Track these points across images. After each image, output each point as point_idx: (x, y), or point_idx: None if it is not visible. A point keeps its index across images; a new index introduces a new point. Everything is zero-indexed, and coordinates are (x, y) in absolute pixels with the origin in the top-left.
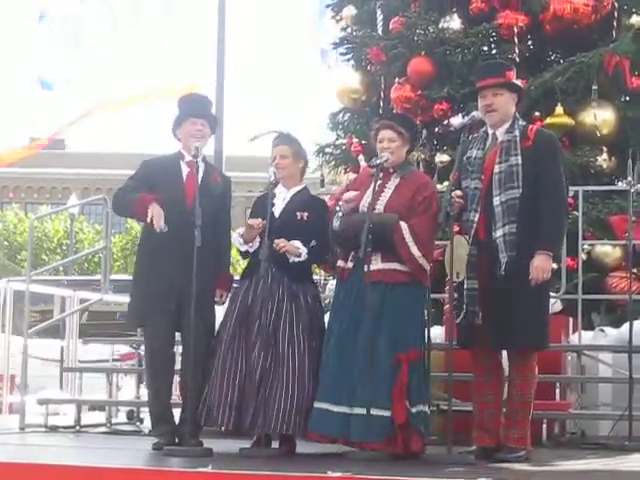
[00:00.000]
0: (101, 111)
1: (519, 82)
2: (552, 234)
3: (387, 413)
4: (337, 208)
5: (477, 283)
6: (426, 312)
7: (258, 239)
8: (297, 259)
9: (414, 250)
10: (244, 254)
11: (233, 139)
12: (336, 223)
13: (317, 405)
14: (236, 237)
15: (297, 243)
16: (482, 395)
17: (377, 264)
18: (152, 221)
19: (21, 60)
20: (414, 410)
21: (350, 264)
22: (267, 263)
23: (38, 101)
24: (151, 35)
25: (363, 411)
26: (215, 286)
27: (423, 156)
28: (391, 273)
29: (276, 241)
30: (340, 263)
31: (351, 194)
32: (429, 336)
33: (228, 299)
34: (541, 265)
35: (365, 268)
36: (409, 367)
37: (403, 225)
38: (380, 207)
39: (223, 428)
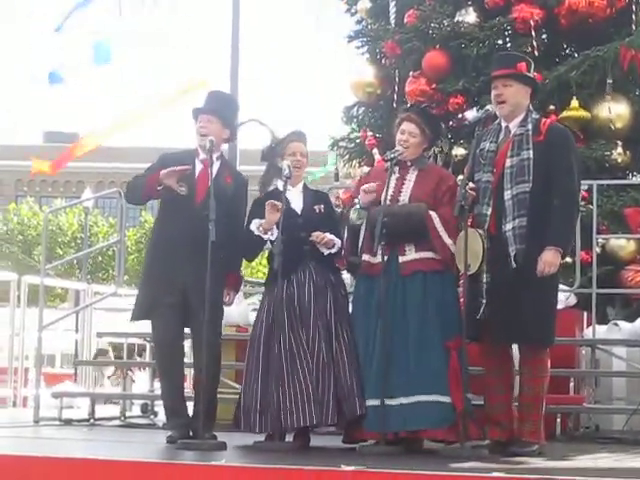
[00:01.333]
0: (130, 123)
1: (533, 75)
2: (562, 229)
3: (447, 399)
4: (355, 200)
5: (489, 277)
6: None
7: (276, 230)
8: (330, 251)
9: (446, 238)
10: (259, 243)
11: (247, 132)
12: (353, 215)
13: (370, 403)
14: (255, 227)
15: (330, 235)
16: (493, 389)
17: (412, 254)
18: (169, 189)
19: (29, 55)
20: (468, 396)
21: (379, 258)
22: (281, 257)
23: (50, 96)
24: (161, 31)
25: (423, 398)
26: (224, 286)
27: (440, 149)
28: (427, 262)
29: (314, 234)
30: (366, 257)
31: (371, 185)
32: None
33: (260, 302)
34: (549, 260)
35: (400, 259)
36: (457, 354)
37: (433, 215)
38: (404, 199)
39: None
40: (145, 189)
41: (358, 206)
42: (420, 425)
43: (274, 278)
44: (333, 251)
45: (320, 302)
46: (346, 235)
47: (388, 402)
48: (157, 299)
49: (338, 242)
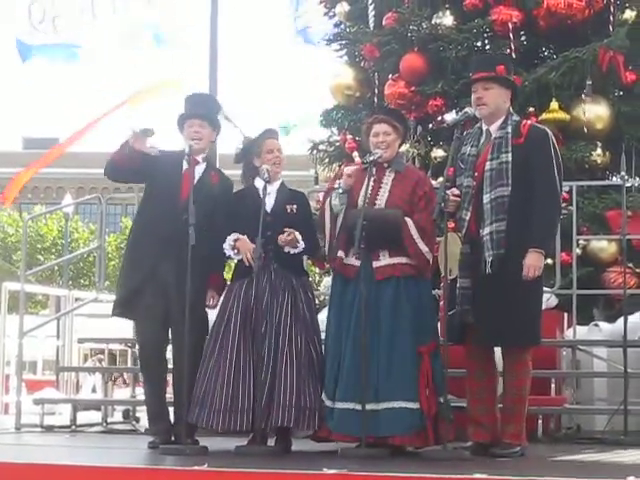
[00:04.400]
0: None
1: (513, 78)
2: (544, 231)
3: (416, 405)
4: (336, 185)
5: (469, 282)
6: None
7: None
8: (294, 250)
9: (422, 246)
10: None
11: (226, 136)
12: (335, 200)
13: (339, 405)
14: (227, 246)
15: (296, 234)
16: (476, 391)
17: (386, 259)
18: (137, 147)
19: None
20: (441, 400)
21: (354, 261)
22: (260, 261)
23: (28, 101)
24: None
25: (391, 405)
26: (206, 287)
27: (418, 152)
28: (401, 267)
29: (286, 232)
30: (340, 254)
31: (352, 168)
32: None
33: (222, 299)
34: (533, 263)
35: (374, 264)
36: (430, 359)
37: (409, 221)
38: (381, 202)
39: (220, 429)
40: (117, 156)
41: (340, 190)
42: (388, 431)
43: (238, 277)
44: (295, 251)
45: (274, 304)
46: (329, 225)
47: (357, 407)
48: (138, 296)
49: (302, 243)
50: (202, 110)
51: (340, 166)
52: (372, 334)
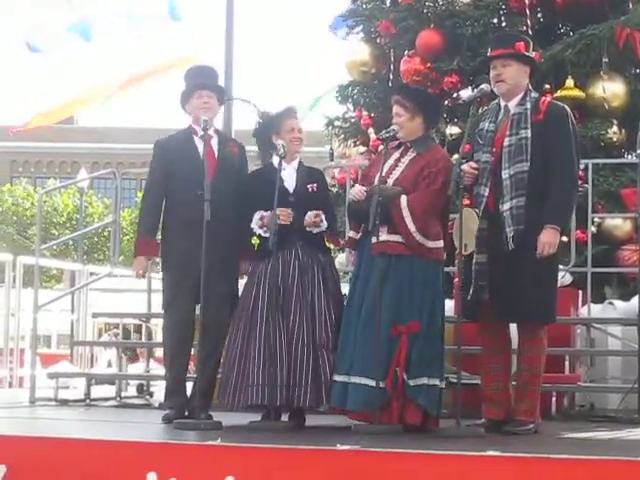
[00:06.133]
0: (122, 90)
1: (532, 54)
2: (560, 208)
3: (382, 384)
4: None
5: (486, 257)
6: (439, 285)
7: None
8: (317, 230)
9: (410, 225)
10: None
11: (242, 113)
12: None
13: (335, 378)
14: (255, 223)
15: (322, 215)
16: (490, 367)
17: (383, 235)
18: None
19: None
20: (412, 383)
21: (359, 236)
22: (276, 237)
23: (39, 74)
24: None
25: (358, 380)
26: (238, 263)
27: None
28: (393, 245)
29: (309, 214)
30: (351, 234)
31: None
32: (443, 309)
33: (246, 282)
34: (547, 240)
35: (373, 239)
36: (409, 339)
37: (403, 199)
38: (390, 181)
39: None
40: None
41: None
42: (351, 406)
43: (262, 256)
44: (318, 230)
45: (304, 282)
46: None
47: (339, 379)
48: (174, 281)
49: (325, 222)
50: (208, 81)
51: (355, 142)
52: (357, 309)
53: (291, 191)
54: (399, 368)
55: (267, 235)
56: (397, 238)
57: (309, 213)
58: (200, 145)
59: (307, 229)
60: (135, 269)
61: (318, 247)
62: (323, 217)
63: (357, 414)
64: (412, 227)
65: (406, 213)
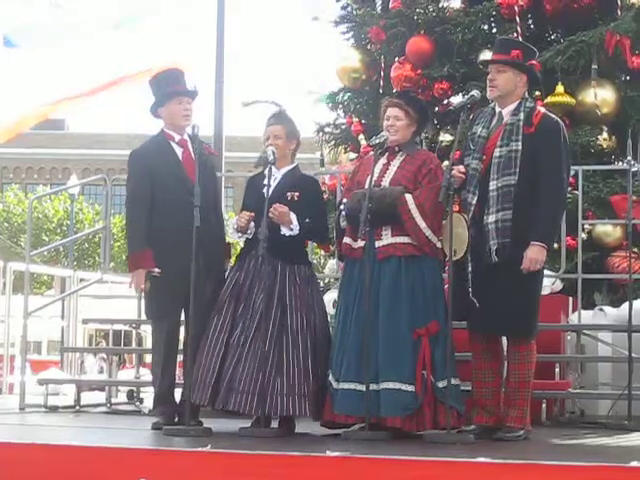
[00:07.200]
0: (101, 91)
1: (534, 63)
2: (547, 225)
3: (411, 388)
4: (342, 206)
5: (473, 266)
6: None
7: (252, 225)
8: (289, 233)
9: (419, 221)
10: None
11: (233, 119)
12: (342, 223)
13: (342, 386)
14: (232, 229)
15: (292, 215)
16: (480, 374)
17: (387, 238)
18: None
19: None
20: (440, 385)
21: (360, 242)
22: (266, 242)
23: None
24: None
25: (390, 386)
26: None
27: (425, 135)
28: (402, 246)
29: (274, 206)
30: (347, 241)
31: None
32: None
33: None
34: (534, 256)
35: (376, 244)
36: (430, 341)
37: (408, 197)
38: (385, 183)
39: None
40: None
41: (344, 213)
42: (383, 413)
43: (241, 258)
44: (290, 233)
45: (264, 290)
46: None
47: (358, 387)
48: (169, 292)
49: (296, 227)
50: (182, 86)
51: (346, 149)
52: (374, 315)
53: (265, 197)
54: (426, 371)
55: (242, 239)
56: (404, 239)
57: (275, 205)
58: (179, 151)
59: (282, 232)
60: (136, 284)
61: (287, 255)
62: (293, 219)
63: (345, 417)
64: (422, 223)
65: (414, 209)
